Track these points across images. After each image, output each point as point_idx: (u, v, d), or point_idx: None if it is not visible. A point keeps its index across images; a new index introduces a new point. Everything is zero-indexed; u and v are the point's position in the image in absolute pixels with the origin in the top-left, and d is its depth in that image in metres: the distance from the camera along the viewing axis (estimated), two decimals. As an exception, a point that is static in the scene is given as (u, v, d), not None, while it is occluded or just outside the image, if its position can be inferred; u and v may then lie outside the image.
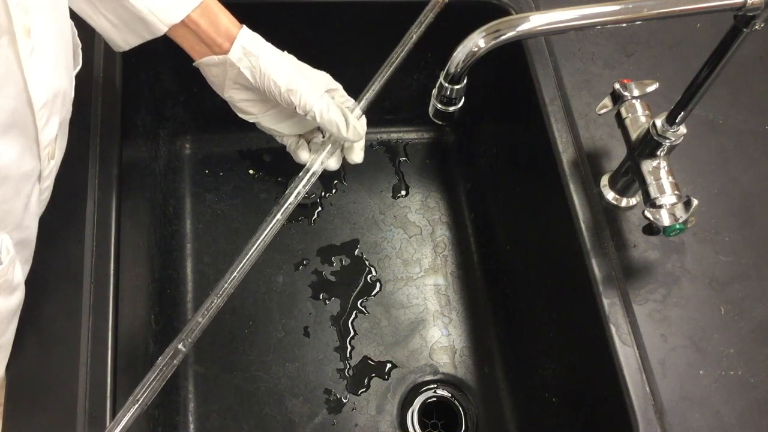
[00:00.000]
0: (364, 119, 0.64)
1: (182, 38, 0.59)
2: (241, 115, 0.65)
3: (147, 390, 0.54)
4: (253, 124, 0.66)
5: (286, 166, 0.97)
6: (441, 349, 0.89)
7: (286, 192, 0.62)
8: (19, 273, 0.53)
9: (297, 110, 0.59)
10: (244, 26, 0.59)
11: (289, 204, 0.61)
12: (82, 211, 0.63)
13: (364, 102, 0.64)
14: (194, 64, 0.61)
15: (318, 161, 0.63)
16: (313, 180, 0.63)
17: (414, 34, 0.63)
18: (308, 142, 0.68)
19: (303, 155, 0.66)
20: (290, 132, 0.67)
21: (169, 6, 0.55)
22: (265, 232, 0.60)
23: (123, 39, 0.59)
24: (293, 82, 0.58)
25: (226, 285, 0.58)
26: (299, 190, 0.62)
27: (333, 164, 0.65)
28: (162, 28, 0.56)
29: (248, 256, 0.59)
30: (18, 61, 0.42)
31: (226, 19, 0.58)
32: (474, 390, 0.88)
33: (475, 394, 0.87)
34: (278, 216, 0.61)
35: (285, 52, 0.62)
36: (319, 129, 0.67)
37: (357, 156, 0.65)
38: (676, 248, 0.69)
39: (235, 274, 0.59)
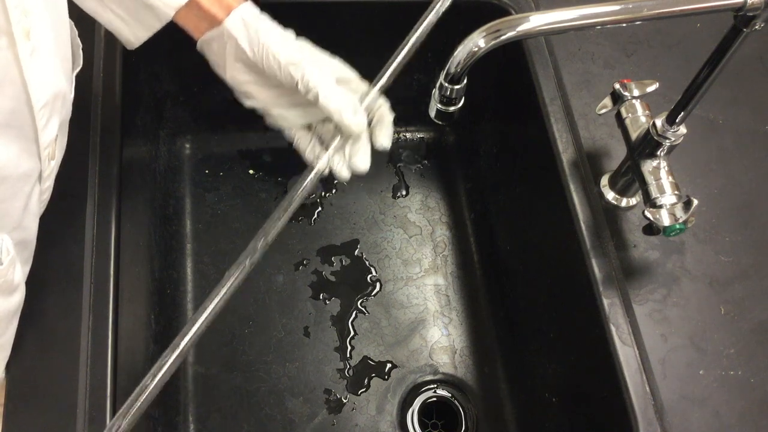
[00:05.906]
0: (387, 107, 0.59)
1: (185, 19, 0.57)
2: (245, 102, 0.61)
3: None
4: (253, 122, 0.64)
5: (286, 166, 0.98)
6: (441, 349, 0.89)
7: (291, 191, 0.58)
8: (19, 273, 0.53)
9: (299, 88, 0.55)
10: (249, 1, 0.57)
11: (295, 200, 0.57)
12: (82, 211, 0.63)
13: (379, 86, 0.58)
14: (197, 47, 0.59)
15: (324, 158, 0.59)
16: (316, 179, 0.59)
17: (429, 16, 0.59)
18: (319, 137, 0.65)
19: (308, 151, 0.62)
20: (298, 121, 0.63)
21: None
22: (270, 234, 0.58)
23: (133, 34, 0.58)
24: (295, 56, 0.55)
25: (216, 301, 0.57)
26: (305, 185, 0.58)
27: (344, 173, 0.62)
28: (169, 13, 0.55)
29: (234, 280, 0.58)
30: (17, 63, 0.42)
31: None
32: (474, 390, 0.88)
33: (475, 394, 0.87)
34: (281, 219, 0.58)
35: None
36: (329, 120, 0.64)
37: (361, 161, 0.62)
38: (676, 248, 0.69)
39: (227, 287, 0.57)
